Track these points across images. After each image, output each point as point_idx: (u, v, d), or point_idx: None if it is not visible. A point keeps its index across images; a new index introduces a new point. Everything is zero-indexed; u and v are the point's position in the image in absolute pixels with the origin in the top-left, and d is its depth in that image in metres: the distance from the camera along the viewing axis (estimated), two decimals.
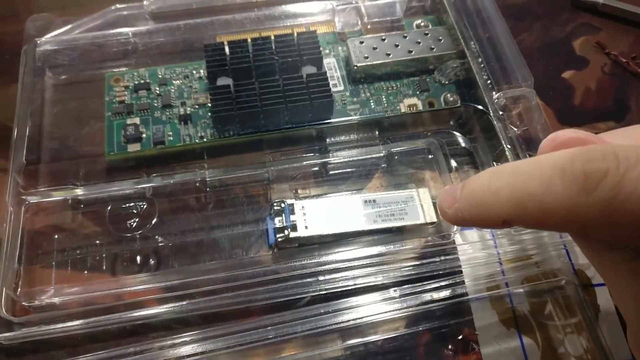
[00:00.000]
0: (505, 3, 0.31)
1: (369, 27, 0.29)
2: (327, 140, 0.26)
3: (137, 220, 0.24)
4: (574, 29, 0.31)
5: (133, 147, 0.25)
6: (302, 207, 0.23)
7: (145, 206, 0.24)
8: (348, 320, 0.22)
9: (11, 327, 0.21)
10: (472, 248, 0.24)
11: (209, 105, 0.26)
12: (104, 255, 0.23)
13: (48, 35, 0.28)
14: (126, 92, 0.27)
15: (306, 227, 0.23)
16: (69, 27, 0.28)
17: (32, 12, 0.29)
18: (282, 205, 0.24)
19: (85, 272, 0.23)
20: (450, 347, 0.22)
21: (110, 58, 0.28)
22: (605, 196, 0.13)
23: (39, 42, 0.28)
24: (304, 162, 0.25)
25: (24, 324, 0.21)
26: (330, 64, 0.28)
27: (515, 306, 0.23)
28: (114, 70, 0.27)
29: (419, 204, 0.24)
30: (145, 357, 0.21)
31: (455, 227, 0.24)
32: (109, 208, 0.24)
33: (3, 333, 0.21)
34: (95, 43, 0.28)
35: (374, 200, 0.24)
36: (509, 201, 0.15)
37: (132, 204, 0.24)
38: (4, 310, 0.21)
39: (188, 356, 0.21)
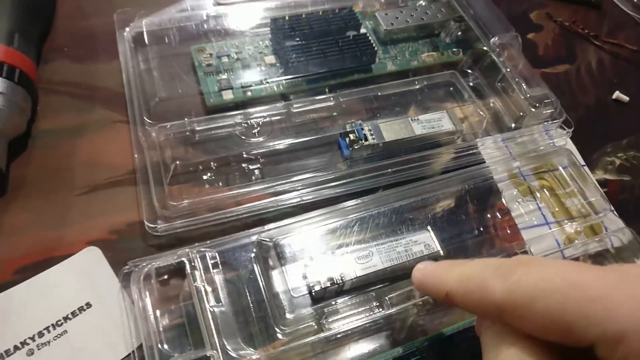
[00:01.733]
0: None
1: (384, 6, 0.38)
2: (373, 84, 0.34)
3: (244, 142, 0.31)
4: (528, 5, 0.41)
5: (227, 95, 0.32)
6: (368, 125, 0.31)
7: (256, 129, 0.31)
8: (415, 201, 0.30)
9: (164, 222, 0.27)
10: (490, 149, 0.32)
11: (278, 64, 0.34)
12: (217, 173, 0.30)
13: (135, 23, 0.35)
14: (211, 59, 0.34)
15: (373, 138, 0.31)
16: (150, 17, 0.35)
17: (115, 8, 0.36)
18: (353, 125, 0.31)
19: (207, 186, 0.29)
20: (490, 215, 0.31)
21: (188, 37, 0.35)
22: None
23: (129, 28, 0.35)
24: (362, 95, 0.33)
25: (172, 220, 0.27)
26: (362, 31, 0.36)
27: (529, 183, 0.32)
28: (196, 44, 0.35)
29: (448, 118, 0.32)
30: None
31: (479, 135, 0.32)
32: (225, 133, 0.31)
33: (159, 225, 0.27)
34: (176, 25, 0.35)
35: (418, 119, 0.32)
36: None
37: (240, 127, 0.31)
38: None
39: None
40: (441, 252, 0.27)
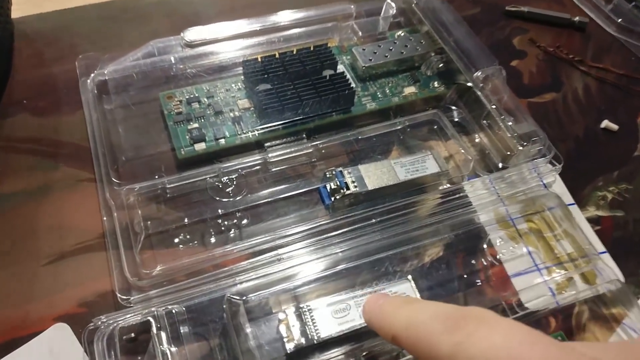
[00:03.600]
0: (464, 16, 0.40)
1: (362, 40, 0.36)
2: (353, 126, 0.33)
3: (219, 197, 0.29)
4: (511, 31, 0.40)
5: (199, 146, 0.30)
6: (349, 171, 0.30)
7: (223, 186, 0.29)
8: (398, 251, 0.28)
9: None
10: (478, 190, 0.31)
11: (252, 108, 0.32)
12: (192, 233, 0.28)
13: (99, 70, 0.33)
14: (181, 105, 0.32)
15: (355, 186, 0.29)
16: (118, 60, 0.33)
17: (78, 54, 0.34)
18: (334, 172, 0.30)
19: (181, 247, 0.28)
20: (478, 262, 0.29)
21: (156, 83, 0.33)
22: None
23: (92, 75, 0.33)
24: (342, 140, 0.31)
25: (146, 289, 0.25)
26: (339, 69, 0.35)
27: (517, 227, 0.31)
28: (164, 90, 0.33)
29: (433, 159, 0.31)
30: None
31: (465, 177, 0.31)
32: (200, 188, 0.29)
33: (132, 296, 0.25)
34: (143, 71, 0.33)
35: (402, 161, 0.31)
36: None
37: (213, 186, 0.29)
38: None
39: None
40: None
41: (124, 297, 0.25)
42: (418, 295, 0.26)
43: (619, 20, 0.40)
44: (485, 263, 0.29)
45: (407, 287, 0.27)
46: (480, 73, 0.32)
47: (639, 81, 0.38)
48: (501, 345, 0.15)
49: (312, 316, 0.25)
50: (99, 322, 0.24)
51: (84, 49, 0.34)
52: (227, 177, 0.29)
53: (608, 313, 0.28)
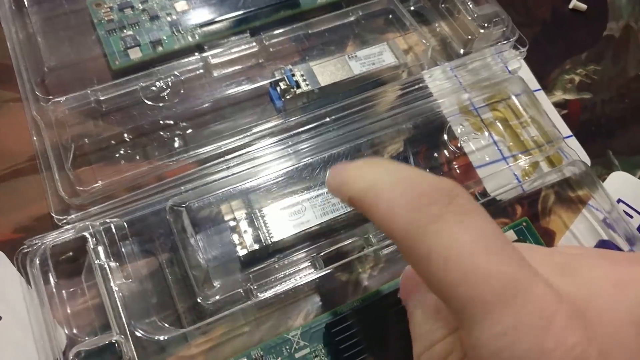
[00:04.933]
0: None
1: None
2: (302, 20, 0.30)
3: (157, 104, 0.27)
4: None
5: (134, 54, 0.28)
6: (300, 69, 0.28)
7: (165, 92, 0.27)
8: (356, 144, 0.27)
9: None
10: (438, 80, 0.29)
11: (191, 10, 0.29)
12: (133, 146, 0.26)
13: None
14: (112, 13, 0.29)
15: (307, 84, 0.27)
16: None
17: None
18: (283, 71, 0.28)
19: (122, 162, 0.26)
20: (441, 154, 0.28)
21: None
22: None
23: None
24: (291, 35, 0.29)
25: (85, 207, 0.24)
26: None
27: (482, 116, 0.29)
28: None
29: (390, 51, 0.29)
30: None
31: (425, 68, 0.29)
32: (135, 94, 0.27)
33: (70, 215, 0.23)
34: None
35: (356, 55, 0.28)
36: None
37: (151, 94, 0.27)
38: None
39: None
40: None
41: (61, 218, 0.23)
42: None
43: None
44: (448, 155, 0.28)
45: None
46: None
47: None
48: (466, 248, 0.13)
49: (264, 220, 0.24)
50: (32, 244, 0.22)
51: None
52: (163, 82, 0.27)
53: (574, 195, 0.27)
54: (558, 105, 0.30)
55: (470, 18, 0.29)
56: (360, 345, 0.22)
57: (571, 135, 0.29)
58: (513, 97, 0.29)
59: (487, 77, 0.29)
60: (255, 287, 0.22)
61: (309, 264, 0.23)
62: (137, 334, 0.20)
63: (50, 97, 0.26)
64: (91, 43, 0.29)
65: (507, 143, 0.28)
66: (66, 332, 0.21)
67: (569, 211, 0.27)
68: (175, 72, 0.27)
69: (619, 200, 0.27)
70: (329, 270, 0.23)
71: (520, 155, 0.28)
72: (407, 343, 0.17)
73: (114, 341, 0.20)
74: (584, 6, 0.33)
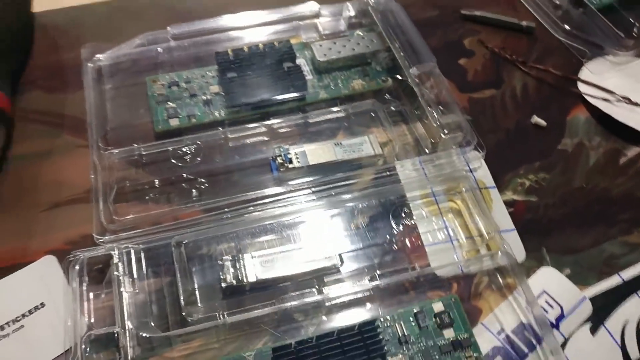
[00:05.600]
0: (418, 17, 0.45)
1: (324, 37, 0.42)
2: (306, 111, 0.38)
3: (183, 165, 0.35)
4: (463, 32, 0.45)
5: (173, 122, 0.37)
6: (295, 149, 0.35)
7: (189, 155, 0.36)
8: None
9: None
10: (408, 171, 0.36)
11: (221, 93, 0.38)
12: (160, 192, 0.34)
13: (100, 55, 0.40)
14: (163, 89, 0.38)
15: (298, 161, 0.35)
16: (112, 50, 0.40)
17: (84, 43, 0.40)
18: (281, 149, 0.36)
19: (150, 203, 0.34)
20: (398, 231, 0.34)
21: (145, 68, 0.40)
22: None
23: (93, 61, 0.39)
24: (294, 122, 0.37)
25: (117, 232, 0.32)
26: (301, 62, 0.40)
27: (439, 205, 0.36)
28: (151, 75, 0.39)
29: (369, 143, 0.36)
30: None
31: (397, 159, 0.36)
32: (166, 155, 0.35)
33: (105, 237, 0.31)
34: (135, 58, 0.40)
35: (341, 143, 0.36)
36: None
37: (178, 155, 0.35)
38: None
39: None
40: (338, 265, 0.31)
41: (99, 238, 0.31)
42: (337, 256, 0.32)
43: (565, 25, 0.44)
44: (403, 231, 0.34)
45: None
46: (415, 69, 0.37)
47: (575, 82, 0.42)
48: None
49: (244, 263, 0.31)
50: (76, 255, 0.30)
51: (89, 39, 0.41)
52: (188, 148, 0.35)
53: (504, 283, 0.33)
54: (507, 203, 0.36)
55: (435, 125, 0.36)
56: None
57: (513, 229, 0.35)
58: (466, 192, 0.36)
59: (449, 173, 0.36)
60: (227, 313, 0.30)
61: (272, 302, 0.30)
62: (133, 330, 0.28)
63: (108, 148, 0.35)
64: (144, 110, 0.38)
65: (456, 229, 0.35)
66: (86, 322, 0.29)
67: (497, 295, 0.32)
68: (198, 142, 0.35)
69: (544, 292, 0.33)
70: (287, 307, 0.30)
71: (465, 241, 0.34)
72: None
73: (115, 332, 0.28)
74: (543, 122, 0.39)
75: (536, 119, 0.40)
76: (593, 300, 0.32)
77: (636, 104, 0.40)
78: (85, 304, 0.30)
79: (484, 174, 0.37)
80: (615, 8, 0.45)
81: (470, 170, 0.37)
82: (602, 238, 0.35)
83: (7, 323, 0.30)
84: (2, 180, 0.35)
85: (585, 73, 0.42)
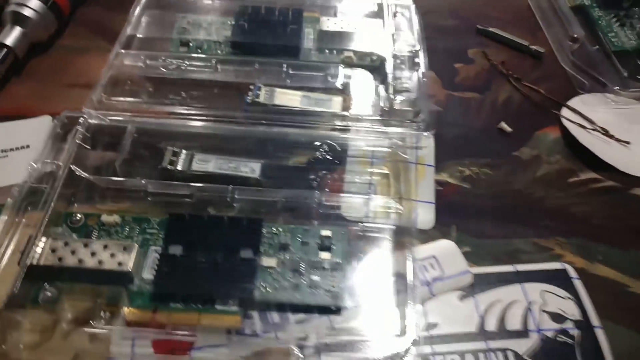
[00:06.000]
0: (434, 23, 0.48)
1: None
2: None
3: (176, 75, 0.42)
4: (472, 43, 0.47)
5: (183, 49, 0.44)
6: (265, 90, 0.41)
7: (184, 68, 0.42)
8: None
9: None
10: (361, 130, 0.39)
11: (229, 35, 0.44)
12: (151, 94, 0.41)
13: None
14: (188, 25, 0.46)
15: (265, 98, 0.40)
16: None
17: None
18: (254, 86, 0.41)
19: (139, 98, 0.41)
20: (326, 171, 0.38)
21: (183, 10, 0.48)
22: None
23: None
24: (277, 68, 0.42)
25: None
26: (309, 31, 0.45)
27: (373, 165, 0.38)
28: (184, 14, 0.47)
29: (333, 102, 0.40)
30: None
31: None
32: None
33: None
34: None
35: (309, 95, 0.41)
36: None
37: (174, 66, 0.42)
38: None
39: None
40: (258, 177, 0.36)
41: (86, 109, 0.39)
42: (258, 172, 0.36)
43: (575, 57, 0.45)
44: (330, 177, 0.37)
45: (256, 166, 0.36)
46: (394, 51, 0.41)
47: (560, 105, 0.42)
48: None
49: (182, 157, 0.36)
50: (58, 117, 0.38)
51: None
52: (183, 63, 0.42)
53: (396, 241, 0.34)
54: (439, 182, 0.38)
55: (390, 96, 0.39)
56: None
57: (433, 203, 0.37)
58: (399, 161, 0.38)
59: (392, 142, 0.39)
60: (151, 183, 0.35)
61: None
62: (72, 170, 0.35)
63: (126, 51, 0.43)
64: (166, 37, 0.45)
65: (377, 188, 0.37)
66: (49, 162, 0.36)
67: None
68: (185, 61, 0.42)
69: (433, 256, 0.34)
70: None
71: (380, 198, 0.36)
72: None
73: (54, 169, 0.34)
74: (509, 129, 0.41)
75: (503, 125, 0.41)
76: (477, 276, 0.33)
77: (611, 137, 0.40)
78: (54, 148, 0.37)
79: (427, 153, 0.39)
80: (631, 54, 0.45)
81: (416, 147, 0.39)
82: (514, 235, 0.35)
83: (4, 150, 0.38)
84: (44, 59, 0.44)
85: (575, 101, 0.43)
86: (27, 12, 0.42)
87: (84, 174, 0.35)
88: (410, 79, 0.42)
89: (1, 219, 0.32)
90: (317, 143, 0.39)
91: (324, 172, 0.38)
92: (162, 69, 0.42)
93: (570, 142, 0.40)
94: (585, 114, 0.42)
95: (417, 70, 0.42)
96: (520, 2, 0.51)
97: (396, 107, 0.40)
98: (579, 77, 0.44)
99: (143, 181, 0.35)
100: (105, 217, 0.33)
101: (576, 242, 0.35)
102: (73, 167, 0.35)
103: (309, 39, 0.45)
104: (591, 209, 0.37)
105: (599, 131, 0.40)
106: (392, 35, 0.44)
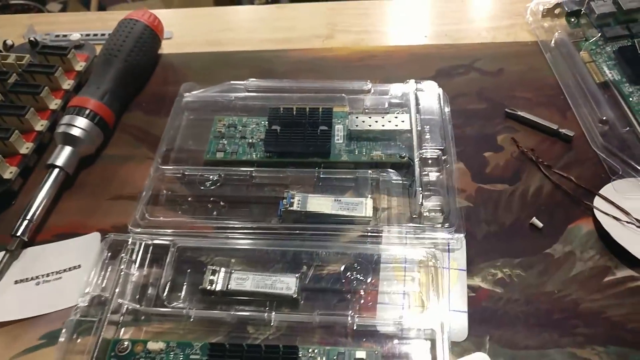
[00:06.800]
0: (464, 107, 0.49)
1: (366, 110, 0.48)
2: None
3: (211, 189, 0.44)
4: (501, 128, 0.48)
5: (219, 155, 0.46)
6: (299, 197, 0.42)
7: (219, 183, 0.44)
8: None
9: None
10: (393, 236, 0.40)
11: (264, 140, 0.46)
12: (190, 205, 0.44)
13: (188, 94, 0.51)
14: (223, 127, 0.48)
15: (298, 207, 0.42)
16: (201, 90, 0.51)
17: (184, 81, 0.52)
18: (289, 193, 0.42)
19: (179, 212, 0.43)
20: (360, 284, 0.39)
21: (219, 109, 0.50)
22: None
23: (184, 96, 0.51)
24: (308, 173, 0.44)
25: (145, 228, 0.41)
26: (339, 128, 0.47)
27: (406, 272, 0.39)
28: (220, 115, 0.49)
29: (364, 205, 0.42)
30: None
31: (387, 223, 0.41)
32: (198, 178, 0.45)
33: (137, 230, 0.41)
34: (213, 99, 0.50)
35: (340, 200, 0.42)
36: None
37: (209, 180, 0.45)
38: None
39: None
40: (294, 295, 0.37)
41: (132, 228, 0.41)
42: (295, 289, 0.37)
43: (605, 140, 0.45)
44: (365, 287, 0.39)
45: (291, 281, 0.38)
46: (420, 152, 0.42)
47: (592, 194, 0.42)
48: None
49: (221, 275, 0.38)
50: (108, 237, 0.40)
51: (190, 79, 0.52)
52: (219, 176, 0.44)
53: (432, 355, 0.35)
54: (472, 287, 0.38)
55: (419, 202, 0.40)
56: None
57: (465, 312, 0.37)
58: (431, 267, 0.39)
59: (425, 248, 0.40)
60: (194, 309, 0.37)
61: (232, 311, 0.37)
62: (120, 301, 0.37)
63: (164, 164, 0.45)
64: (204, 140, 0.48)
65: (411, 297, 0.38)
66: (99, 285, 0.39)
67: None
68: (221, 173, 0.44)
69: None
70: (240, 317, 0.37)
71: (413, 309, 0.37)
72: None
73: (104, 297, 0.37)
74: (540, 224, 0.41)
75: (535, 220, 0.41)
76: None
77: None
78: (102, 273, 0.39)
79: (459, 256, 0.40)
80: None
81: (449, 250, 0.40)
82: (550, 345, 0.35)
83: (51, 272, 0.41)
84: (91, 171, 0.47)
85: (607, 189, 0.42)
86: (75, 132, 0.45)
87: (131, 305, 0.37)
88: (440, 177, 0.42)
89: (58, 347, 0.35)
90: (349, 253, 0.40)
91: (357, 283, 0.39)
92: (199, 185, 0.44)
93: (604, 236, 0.40)
94: (619, 202, 0.41)
95: (445, 168, 0.43)
96: (550, 80, 0.51)
97: (425, 209, 0.41)
98: (611, 162, 0.44)
99: (184, 311, 0.37)
100: (151, 345, 0.36)
101: (614, 350, 0.35)
102: (120, 300, 0.37)
103: (339, 136, 0.47)
104: (629, 311, 0.37)
105: (633, 223, 0.40)
106: (419, 131, 0.45)
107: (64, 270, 0.41)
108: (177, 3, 1.81)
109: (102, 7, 2.14)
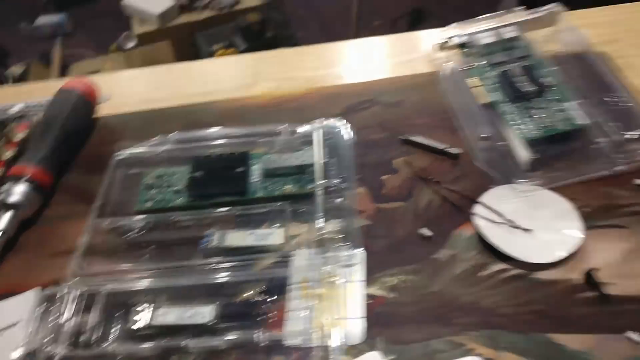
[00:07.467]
0: (366, 138, 0.56)
1: (279, 150, 0.55)
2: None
3: (140, 233, 0.50)
4: (398, 153, 0.54)
5: (148, 204, 0.52)
6: (219, 233, 0.48)
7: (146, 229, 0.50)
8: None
9: None
10: (303, 259, 0.46)
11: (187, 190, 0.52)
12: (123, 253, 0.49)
13: (122, 152, 0.57)
14: (152, 179, 0.54)
15: (217, 242, 0.47)
16: (133, 147, 0.57)
17: (121, 140, 0.58)
18: (209, 232, 0.48)
19: (113, 260, 0.49)
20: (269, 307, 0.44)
21: (150, 162, 0.56)
22: None
23: (118, 154, 0.57)
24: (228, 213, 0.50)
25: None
26: (255, 168, 0.53)
27: (313, 290, 0.45)
28: (149, 168, 0.55)
29: (275, 235, 0.47)
30: None
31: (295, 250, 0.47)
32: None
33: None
34: (144, 155, 0.56)
35: (254, 232, 0.48)
36: None
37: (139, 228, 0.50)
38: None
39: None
40: (209, 324, 0.42)
41: (67, 279, 0.46)
42: (210, 316, 0.43)
43: (484, 155, 0.51)
44: (275, 307, 0.44)
45: (207, 310, 0.43)
46: (324, 182, 0.48)
47: (474, 202, 0.48)
48: None
49: (152, 312, 0.44)
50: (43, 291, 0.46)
51: (128, 137, 0.58)
52: (146, 223, 0.50)
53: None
54: (370, 296, 0.44)
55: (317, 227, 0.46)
56: None
57: (363, 317, 0.42)
58: (332, 282, 0.44)
59: (329, 266, 0.45)
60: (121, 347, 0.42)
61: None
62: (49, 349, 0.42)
63: (99, 217, 0.51)
64: (135, 192, 0.53)
65: (315, 311, 0.43)
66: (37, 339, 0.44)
67: None
68: (150, 220, 0.50)
69: None
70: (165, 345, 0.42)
71: (317, 320, 0.43)
72: None
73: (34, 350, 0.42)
74: (430, 233, 0.47)
75: (423, 230, 0.47)
76: None
77: (515, 227, 0.45)
78: (36, 326, 0.44)
79: (359, 269, 0.45)
80: (535, 142, 0.51)
81: (349, 265, 0.46)
82: (432, 336, 0.41)
83: None
84: (31, 232, 0.53)
85: (487, 196, 0.49)
86: (13, 198, 0.51)
87: (63, 351, 0.42)
88: (342, 202, 0.48)
89: None
90: (263, 278, 0.45)
91: (268, 305, 0.44)
92: (130, 233, 0.50)
93: (482, 238, 0.46)
94: (496, 206, 0.47)
95: (347, 193, 0.49)
96: (444, 106, 0.58)
97: (327, 232, 0.46)
98: (490, 172, 0.50)
99: (109, 349, 0.42)
100: None
101: (485, 333, 0.40)
102: (50, 349, 0.42)
103: (256, 175, 0.53)
104: (499, 298, 0.42)
105: (505, 223, 0.46)
106: (324, 163, 0.51)
107: (2, 329, 0.45)
108: (138, 60, 1.89)
109: (65, 65, 2.21)
